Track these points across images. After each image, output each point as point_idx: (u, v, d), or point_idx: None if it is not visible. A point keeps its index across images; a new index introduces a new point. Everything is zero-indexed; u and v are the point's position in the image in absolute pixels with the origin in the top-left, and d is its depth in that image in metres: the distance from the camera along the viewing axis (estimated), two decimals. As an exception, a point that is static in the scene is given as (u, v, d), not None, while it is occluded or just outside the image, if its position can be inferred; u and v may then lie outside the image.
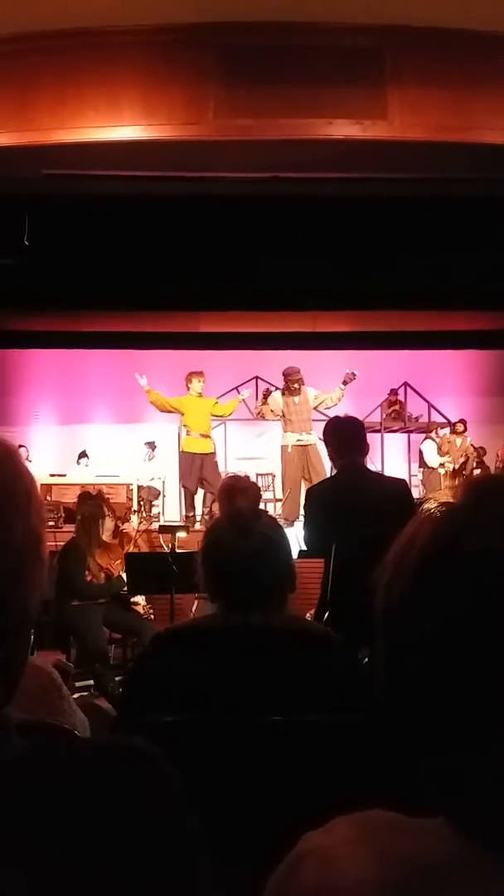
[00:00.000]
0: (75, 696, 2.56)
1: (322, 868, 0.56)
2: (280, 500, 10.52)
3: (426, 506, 0.61)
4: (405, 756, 0.59)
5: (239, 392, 9.18)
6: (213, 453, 8.58)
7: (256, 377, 10.58)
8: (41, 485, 9.47)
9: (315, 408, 8.02)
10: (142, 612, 5.37)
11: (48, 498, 9.33)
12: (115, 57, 6.02)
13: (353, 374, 8.01)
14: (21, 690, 0.63)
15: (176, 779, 0.62)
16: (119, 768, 0.60)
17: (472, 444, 10.57)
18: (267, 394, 8.68)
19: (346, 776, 1.30)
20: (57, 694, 1.42)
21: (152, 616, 5.45)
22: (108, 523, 5.20)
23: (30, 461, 10.70)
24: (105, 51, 5.99)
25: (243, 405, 8.94)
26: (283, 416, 8.00)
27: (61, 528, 8.28)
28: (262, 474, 10.28)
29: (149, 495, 10.16)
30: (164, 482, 10.68)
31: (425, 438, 10.42)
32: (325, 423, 3.60)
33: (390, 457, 11.16)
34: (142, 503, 9.85)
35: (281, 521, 4.68)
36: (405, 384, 11.40)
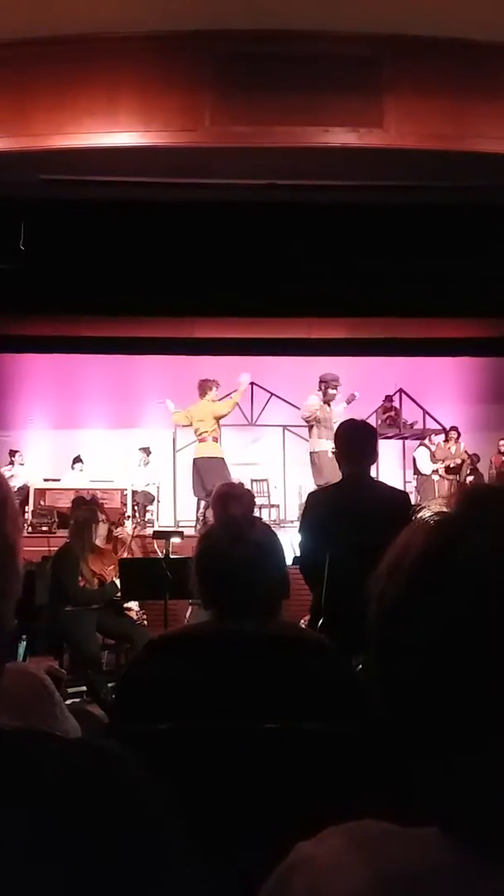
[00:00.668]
0: (68, 702, 2.55)
1: (313, 879, 0.56)
2: (275, 505, 10.54)
3: (421, 514, 0.61)
4: (399, 764, 0.59)
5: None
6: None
7: (252, 383, 10.59)
8: (35, 489, 9.46)
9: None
10: (135, 617, 5.36)
11: (41, 503, 9.32)
12: (113, 63, 6.03)
13: (354, 396, 8.09)
14: (13, 696, 0.62)
15: (146, 783, 0.61)
16: (85, 771, 0.59)
17: (465, 451, 10.61)
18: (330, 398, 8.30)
19: (340, 784, 1.30)
20: (49, 700, 1.42)
21: (146, 622, 5.44)
22: (102, 529, 5.19)
23: (22, 465, 10.69)
24: (102, 57, 6.01)
25: (238, 409, 8.94)
26: (319, 421, 7.84)
27: (55, 533, 8.27)
28: (256, 480, 10.29)
29: (143, 500, 10.15)
30: (158, 487, 10.68)
31: (419, 445, 10.45)
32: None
33: (385, 463, 11.17)
34: (136, 508, 9.84)
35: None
36: (400, 391, 11.43)
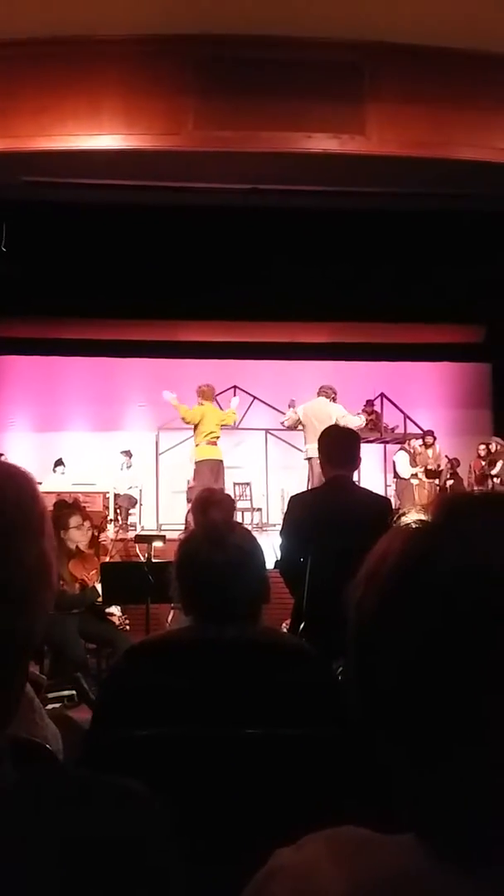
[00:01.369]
0: (48, 707, 2.53)
1: (292, 885, 0.56)
2: (258, 508, 10.54)
3: (402, 520, 0.62)
4: (379, 770, 0.59)
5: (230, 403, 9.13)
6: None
7: (235, 387, 10.60)
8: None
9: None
10: (117, 622, 5.33)
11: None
12: (97, 66, 6.02)
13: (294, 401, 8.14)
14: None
15: (166, 822, 0.62)
16: (114, 809, 0.60)
17: (446, 456, 10.67)
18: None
19: (321, 789, 1.30)
20: (29, 707, 1.41)
21: (127, 626, 5.41)
22: (81, 534, 5.13)
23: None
24: (86, 60, 6.00)
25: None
26: (306, 427, 7.96)
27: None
28: (239, 483, 10.28)
29: (126, 504, 10.12)
30: (140, 491, 10.64)
31: (399, 449, 10.50)
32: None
33: (366, 468, 11.20)
34: (118, 512, 9.80)
35: None
36: (381, 395, 11.48)
